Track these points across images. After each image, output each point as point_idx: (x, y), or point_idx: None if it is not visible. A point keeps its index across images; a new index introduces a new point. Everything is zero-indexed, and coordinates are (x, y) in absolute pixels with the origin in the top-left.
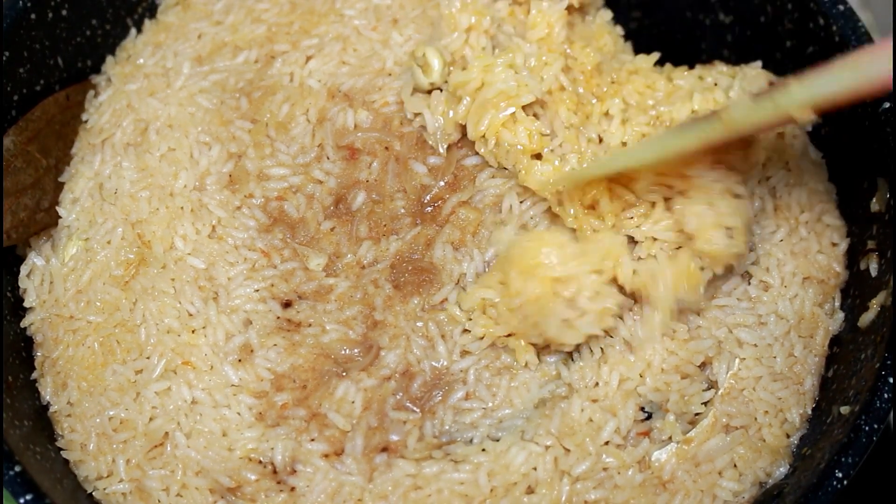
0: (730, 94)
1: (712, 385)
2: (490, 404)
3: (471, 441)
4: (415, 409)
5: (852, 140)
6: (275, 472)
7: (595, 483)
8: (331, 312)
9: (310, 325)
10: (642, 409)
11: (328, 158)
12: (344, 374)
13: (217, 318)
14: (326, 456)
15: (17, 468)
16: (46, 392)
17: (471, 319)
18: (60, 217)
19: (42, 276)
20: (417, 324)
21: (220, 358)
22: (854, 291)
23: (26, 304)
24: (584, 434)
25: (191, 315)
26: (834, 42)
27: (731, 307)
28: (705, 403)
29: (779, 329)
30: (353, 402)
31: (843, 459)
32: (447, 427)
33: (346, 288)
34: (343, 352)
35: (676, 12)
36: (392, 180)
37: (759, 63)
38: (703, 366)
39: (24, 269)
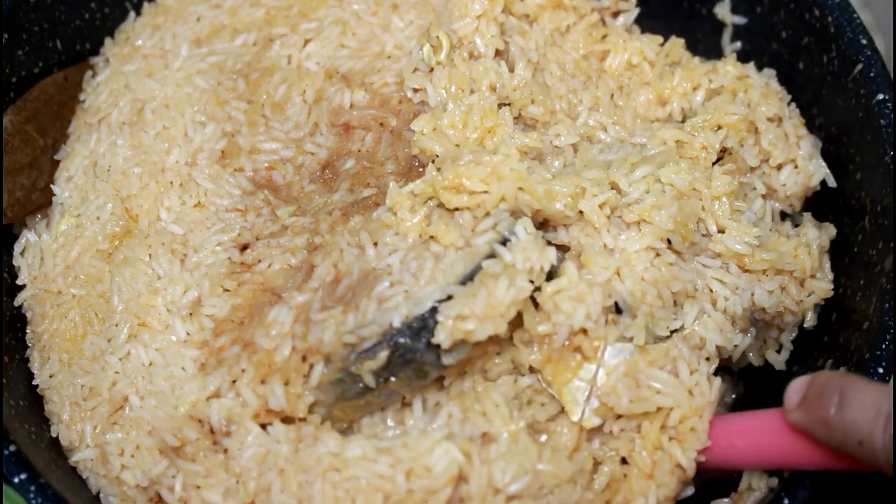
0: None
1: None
2: (414, 288)
3: (391, 327)
4: (337, 307)
5: (846, 132)
6: (212, 432)
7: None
8: (281, 245)
9: (259, 262)
10: (616, 305)
11: (321, 134)
12: (278, 300)
13: (180, 275)
14: (257, 416)
15: (12, 448)
16: (35, 368)
17: (396, 214)
18: (55, 195)
19: (34, 252)
20: (353, 238)
21: (174, 314)
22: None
23: (19, 282)
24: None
25: (159, 277)
26: (829, 33)
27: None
28: (673, 332)
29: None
30: (282, 323)
31: None
32: (369, 317)
33: (302, 222)
34: (280, 281)
35: (674, 2)
36: (385, 149)
37: (773, 72)
38: (675, 303)
39: (17, 248)
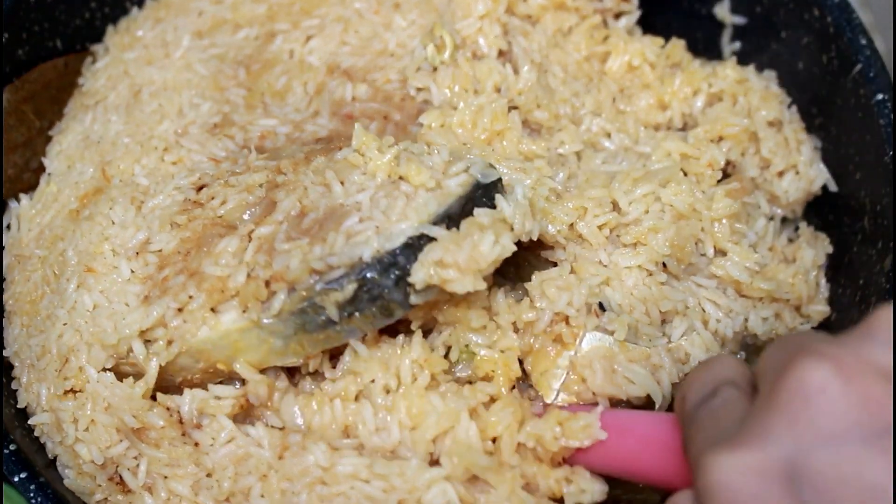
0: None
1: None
2: (385, 225)
3: (360, 260)
4: (303, 238)
5: (845, 132)
6: (181, 422)
7: None
8: (239, 182)
9: (213, 199)
10: (600, 303)
11: (322, 118)
12: (229, 232)
13: (133, 220)
14: (242, 408)
15: (12, 447)
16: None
17: (363, 155)
18: (45, 167)
19: (14, 222)
20: (317, 177)
21: (120, 256)
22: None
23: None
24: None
25: (113, 224)
26: (829, 33)
27: (705, 287)
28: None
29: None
30: (230, 252)
31: None
32: (337, 250)
33: (265, 163)
34: (236, 215)
35: (673, 2)
36: (389, 136)
37: (773, 74)
38: (663, 322)
39: (4, 221)
